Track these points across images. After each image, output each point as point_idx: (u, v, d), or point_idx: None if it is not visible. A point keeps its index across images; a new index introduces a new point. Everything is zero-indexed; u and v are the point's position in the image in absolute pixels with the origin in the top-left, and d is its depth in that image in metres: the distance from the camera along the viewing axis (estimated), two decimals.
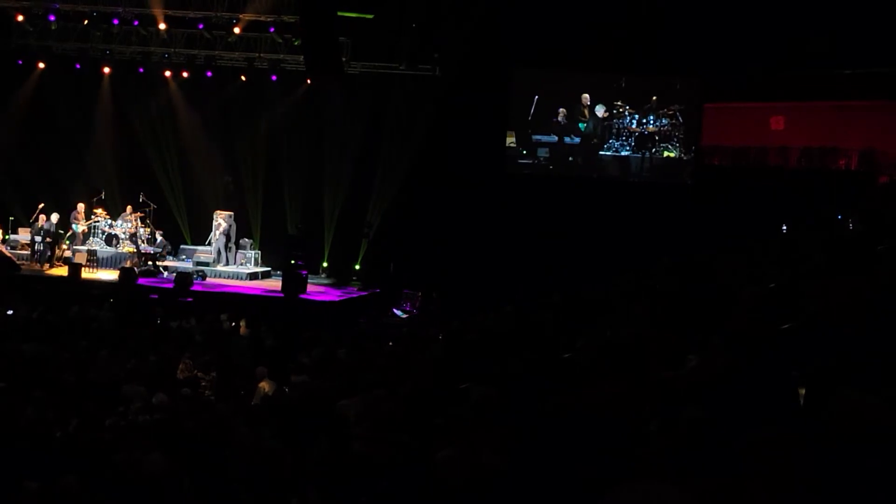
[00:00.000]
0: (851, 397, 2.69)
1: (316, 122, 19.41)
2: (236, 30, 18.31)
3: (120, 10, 18.39)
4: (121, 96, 19.98)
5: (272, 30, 18.48)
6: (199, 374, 10.45)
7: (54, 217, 17.76)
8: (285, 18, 18.06)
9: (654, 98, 18.22)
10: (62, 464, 5.93)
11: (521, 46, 17.77)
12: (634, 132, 18.38)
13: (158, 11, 18.07)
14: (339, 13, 16.89)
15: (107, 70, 19.77)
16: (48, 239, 17.53)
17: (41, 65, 19.81)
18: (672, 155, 18.28)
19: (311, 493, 4.61)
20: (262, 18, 18.33)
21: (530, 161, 18.93)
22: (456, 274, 17.16)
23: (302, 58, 18.04)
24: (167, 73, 19.70)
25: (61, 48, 19.59)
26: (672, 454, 3.00)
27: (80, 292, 15.58)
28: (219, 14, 18.22)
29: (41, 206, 18.09)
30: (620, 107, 18.41)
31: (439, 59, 18.32)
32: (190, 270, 17.33)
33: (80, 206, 18.31)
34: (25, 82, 19.97)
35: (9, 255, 17.32)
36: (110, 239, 18.26)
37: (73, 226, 18.09)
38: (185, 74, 19.59)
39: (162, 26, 18.40)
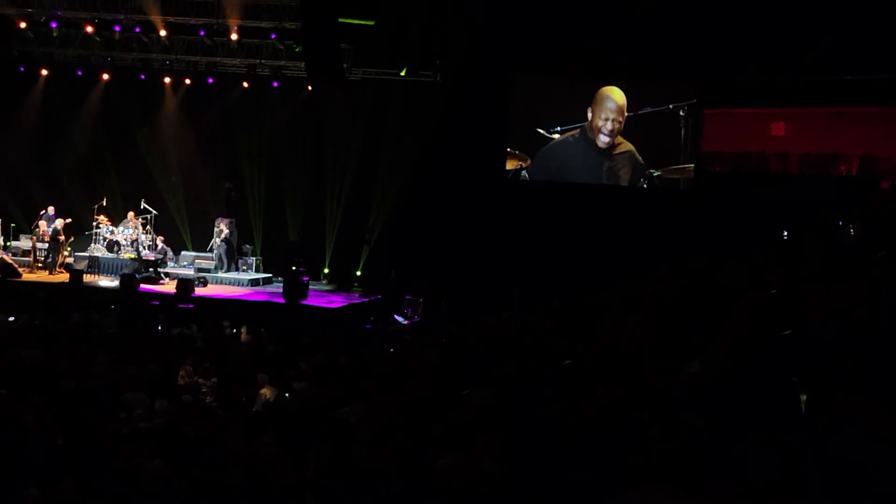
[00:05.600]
0: (853, 403, 2.68)
1: (317, 127, 19.44)
2: (233, 35, 18.33)
3: (121, 17, 18.43)
4: (122, 103, 20.01)
5: (273, 36, 18.51)
6: (200, 380, 10.44)
7: (59, 222, 17.82)
8: (287, 25, 18.09)
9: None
10: (62, 470, 5.92)
11: (522, 52, 17.79)
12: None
13: (158, 18, 18.10)
14: (341, 19, 16.92)
15: (107, 77, 19.82)
16: (56, 239, 17.62)
17: (44, 72, 19.86)
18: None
19: (312, 499, 4.60)
20: (264, 25, 18.37)
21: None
22: (456, 280, 17.15)
23: (303, 64, 18.07)
24: (168, 80, 19.74)
25: (63, 55, 19.64)
26: (672, 460, 2.99)
27: (81, 299, 15.59)
28: (220, 21, 18.26)
29: (42, 212, 18.15)
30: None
31: (440, 66, 18.35)
32: (191, 277, 17.33)
33: (51, 210, 18.27)
34: (28, 89, 20.02)
35: (10, 261, 17.34)
36: (112, 245, 18.28)
37: (46, 228, 18.00)
38: (186, 81, 19.63)
39: (163, 33, 18.44)
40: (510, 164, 18.73)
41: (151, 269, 17.82)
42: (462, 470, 3.60)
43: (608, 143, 18.26)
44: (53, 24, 18.86)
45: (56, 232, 17.76)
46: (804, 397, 3.25)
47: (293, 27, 17.95)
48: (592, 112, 18.28)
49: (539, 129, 18.51)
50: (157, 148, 20.15)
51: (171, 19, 18.31)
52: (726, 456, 2.80)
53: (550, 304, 8.36)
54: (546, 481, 3.32)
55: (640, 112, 18.08)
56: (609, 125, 18.21)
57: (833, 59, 16.00)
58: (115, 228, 18.44)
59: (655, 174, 18.09)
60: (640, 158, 18.11)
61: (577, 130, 18.36)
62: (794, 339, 3.76)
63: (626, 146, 18.20)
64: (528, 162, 18.62)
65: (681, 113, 17.96)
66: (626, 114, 18.17)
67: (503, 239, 17.52)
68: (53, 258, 17.68)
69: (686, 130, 17.97)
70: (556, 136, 18.47)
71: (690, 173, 18.06)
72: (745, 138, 18.33)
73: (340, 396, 7.08)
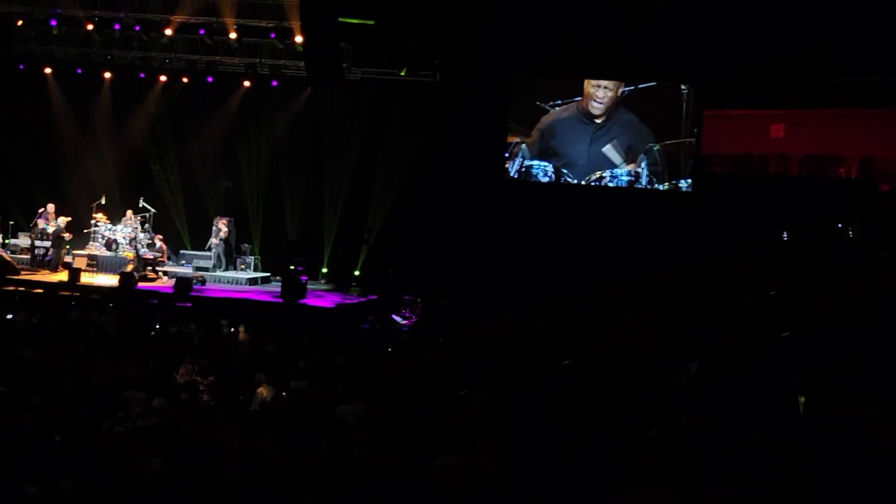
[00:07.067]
0: (852, 405, 2.68)
1: (316, 127, 19.43)
2: (232, 34, 18.34)
3: (121, 15, 18.43)
4: (122, 101, 20.02)
5: (273, 35, 18.52)
6: (198, 378, 10.44)
7: (62, 220, 17.84)
8: (286, 24, 18.09)
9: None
10: (61, 469, 5.92)
11: (522, 52, 17.80)
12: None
13: (178, 18, 18.18)
14: (341, 19, 16.91)
15: (108, 75, 19.81)
16: (60, 237, 17.66)
17: (48, 70, 19.85)
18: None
19: (311, 499, 4.60)
20: (264, 24, 18.38)
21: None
22: (456, 280, 17.15)
23: (303, 63, 18.07)
24: (168, 79, 19.73)
25: (63, 53, 19.63)
26: (672, 460, 3.00)
27: (79, 297, 15.59)
28: (219, 20, 18.26)
29: (41, 210, 18.14)
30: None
31: (440, 65, 18.36)
32: (189, 276, 17.32)
33: (51, 207, 18.28)
34: (28, 87, 19.99)
35: (8, 258, 17.33)
36: (110, 244, 18.27)
37: (44, 226, 18.02)
38: (185, 80, 19.62)
39: (168, 32, 18.46)
40: (511, 139, 18.76)
41: (150, 268, 17.82)
42: (462, 470, 3.60)
43: (601, 110, 18.30)
44: (53, 23, 18.84)
45: (59, 230, 17.77)
46: (803, 399, 3.26)
47: (293, 26, 17.93)
48: (586, 85, 18.40)
49: (538, 102, 18.59)
50: (155, 146, 20.13)
51: (170, 18, 18.32)
52: (726, 456, 2.80)
53: (550, 304, 8.36)
54: (546, 481, 3.32)
55: (640, 86, 18.15)
56: (601, 92, 18.28)
57: (833, 60, 16.01)
58: (113, 227, 18.44)
59: (655, 147, 18.12)
60: (641, 127, 18.12)
61: (574, 104, 18.46)
62: (794, 340, 3.77)
63: (626, 114, 18.24)
64: (529, 138, 18.66)
65: (682, 87, 18.01)
66: (622, 86, 18.26)
67: (503, 239, 17.51)
68: (57, 256, 17.68)
69: (688, 104, 18.01)
70: (557, 108, 18.52)
71: (691, 147, 18.06)
72: (745, 140, 18.35)
73: (339, 396, 7.07)
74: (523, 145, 18.71)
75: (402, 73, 18.60)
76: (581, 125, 18.45)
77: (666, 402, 3.51)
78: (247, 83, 19.49)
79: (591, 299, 7.68)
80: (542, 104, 18.59)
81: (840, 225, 8.71)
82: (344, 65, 18.02)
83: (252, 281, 18.37)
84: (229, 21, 18.17)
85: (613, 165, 18.26)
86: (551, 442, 3.54)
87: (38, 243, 17.90)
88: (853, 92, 16.49)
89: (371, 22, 16.98)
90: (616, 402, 3.57)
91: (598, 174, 18.35)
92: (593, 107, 18.35)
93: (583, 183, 18.46)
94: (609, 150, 18.30)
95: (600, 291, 8.03)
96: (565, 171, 18.54)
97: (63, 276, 16.81)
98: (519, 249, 17.24)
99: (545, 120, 18.58)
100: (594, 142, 18.38)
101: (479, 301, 14.38)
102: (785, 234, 11.70)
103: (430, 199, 18.42)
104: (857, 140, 17.35)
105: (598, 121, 18.36)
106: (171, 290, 16.25)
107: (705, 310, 4.87)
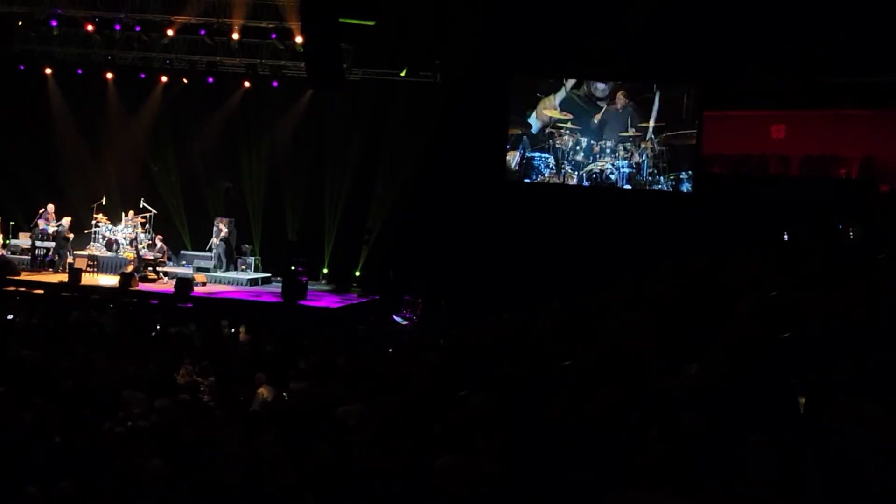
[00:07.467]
0: (852, 405, 2.68)
1: (317, 127, 19.45)
2: (235, 35, 18.37)
3: (122, 15, 18.44)
4: (122, 101, 20.03)
5: (273, 36, 18.53)
6: (198, 379, 10.43)
7: (66, 221, 17.85)
8: (287, 25, 18.10)
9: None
10: (61, 469, 5.91)
11: (523, 53, 17.81)
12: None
13: (181, 19, 18.22)
14: (341, 19, 16.92)
15: (108, 75, 19.82)
16: (65, 237, 17.72)
17: (48, 70, 19.85)
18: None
19: (311, 499, 4.60)
20: (264, 25, 18.39)
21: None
22: (456, 280, 17.16)
23: (303, 64, 18.07)
24: (168, 79, 19.73)
25: (63, 54, 19.64)
26: (673, 461, 2.99)
27: (79, 297, 15.58)
28: (221, 20, 18.27)
29: (41, 211, 18.15)
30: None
31: (440, 66, 18.36)
32: (190, 276, 17.31)
33: (51, 207, 18.29)
34: (28, 88, 20.00)
35: (9, 259, 17.33)
36: (111, 244, 18.28)
37: (45, 227, 18.03)
38: (185, 80, 19.62)
39: (170, 32, 18.48)
40: (511, 131, 18.83)
41: (150, 268, 17.82)
42: (462, 470, 3.60)
43: (605, 91, 18.42)
44: (54, 23, 18.85)
45: (63, 230, 17.79)
46: (803, 399, 3.25)
47: (294, 27, 17.93)
48: None
49: (538, 94, 18.63)
50: (156, 147, 20.15)
51: (171, 18, 18.32)
52: (726, 456, 2.80)
53: (550, 304, 8.35)
54: (546, 481, 3.32)
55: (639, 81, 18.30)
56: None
57: (833, 60, 16.01)
58: (114, 227, 18.45)
59: (656, 140, 18.17)
60: (641, 120, 18.22)
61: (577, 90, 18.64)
62: (794, 340, 3.77)
63: (627, 106, 18.34)
64: (530, 127, 18.76)
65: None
66: None
67: (503, 239, 17.52)
68: (61, 256, 17.68)
69: (689, 99, 18.06)
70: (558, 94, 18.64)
71: (691, 139, 18.10)
72: (745, 141, 18.36)
73: (339, 396, 7.07)
74: (525, 137, 18.74)
75: (403, 74, 18.61)
76: (583, 104, 18.54)
77: (666, 402, 3.51)
78: (247, 84, 19.51)
79: (591, 299, 7.68)
80: (542, 95, 18.68)
81: (840, 225, 8.70)
82: (344, 65, 18.02)
83: (252, 281, 18.37)
84: (235, 21, 18.17)
85: (622, 150, 18.31)
86: (551, 442, 3.54)
87: (38, 244, 17.91)
88: (853, 92, 16.50)
89: (371, 22, 16.96)
90: (616, 402, 3.57)
91: (599, 166, 18.36)
92: (598, 89, 18.49)
93: (584, 174, 18.46)
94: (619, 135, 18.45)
95: (600, 291, 8.02)
96: (565, 162, 18.54)
97: (63, 276, 16.81)
98: (519, 249, 17.25)
99: (549, 100, 18.63)
100: (593, 117, 18.43)
101: (479, 301, 14.38)
102: (785, 235, 11.70)
103: (431, 200, 18.42)
104: (857, 140, 17.35)
105: (601, 103, 18.45)
106: (171, 291, 16.25)
107: (705, 310, 4.87)
